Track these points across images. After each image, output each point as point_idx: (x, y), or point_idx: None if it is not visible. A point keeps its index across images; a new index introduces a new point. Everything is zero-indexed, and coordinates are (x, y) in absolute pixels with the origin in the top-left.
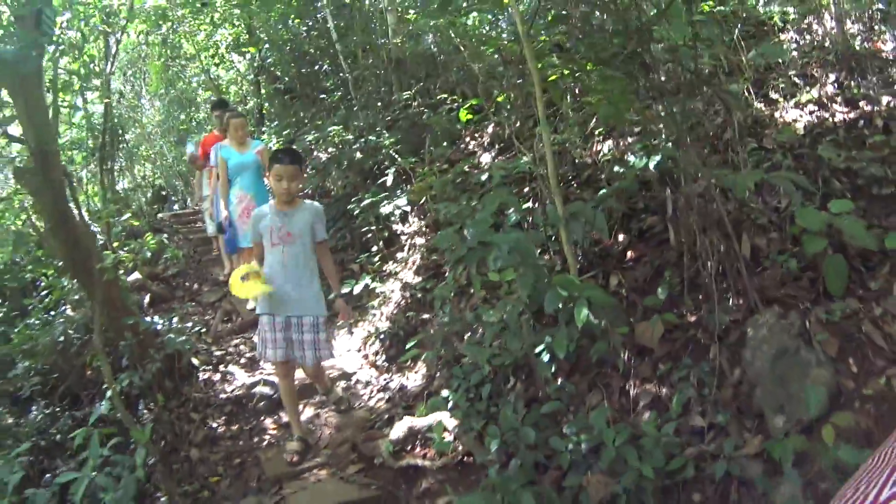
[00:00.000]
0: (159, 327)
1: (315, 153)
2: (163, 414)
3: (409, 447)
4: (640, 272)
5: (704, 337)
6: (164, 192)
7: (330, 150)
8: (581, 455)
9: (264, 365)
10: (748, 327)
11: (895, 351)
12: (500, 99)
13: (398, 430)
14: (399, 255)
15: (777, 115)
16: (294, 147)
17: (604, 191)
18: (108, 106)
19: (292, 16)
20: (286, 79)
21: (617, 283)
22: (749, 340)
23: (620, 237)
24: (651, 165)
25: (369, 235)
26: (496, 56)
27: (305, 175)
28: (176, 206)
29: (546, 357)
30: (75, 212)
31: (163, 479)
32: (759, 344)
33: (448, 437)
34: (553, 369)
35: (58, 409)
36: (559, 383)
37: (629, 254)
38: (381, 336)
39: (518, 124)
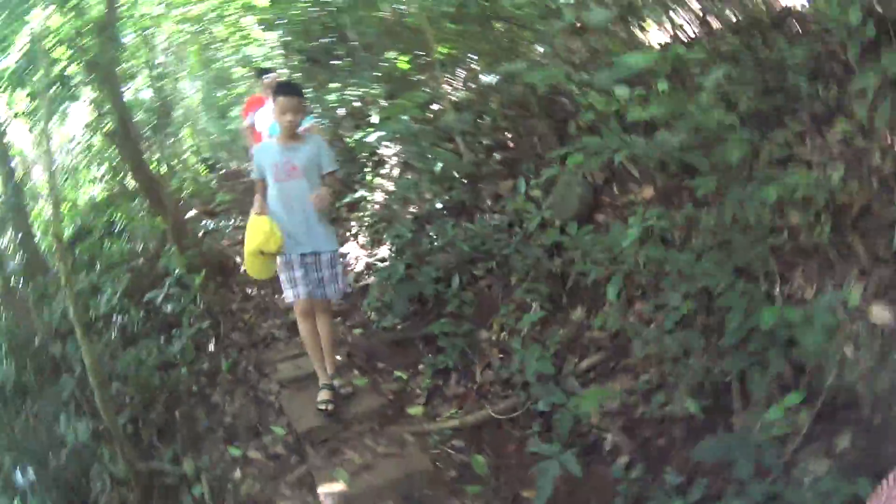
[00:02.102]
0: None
1: (335, 110)
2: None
3: None
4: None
5: None
6: (210, 161)
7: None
8: None
9: None
10: None
11: None
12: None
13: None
14: (383, 172)
15: None
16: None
17: None
18: (159, 88)
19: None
20: (304, 52)
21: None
22: None
23: None
24: None
25: (363, 160)
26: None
27: (322, 126)
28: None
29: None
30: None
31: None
32: None
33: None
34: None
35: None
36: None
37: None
38: (365, 225)
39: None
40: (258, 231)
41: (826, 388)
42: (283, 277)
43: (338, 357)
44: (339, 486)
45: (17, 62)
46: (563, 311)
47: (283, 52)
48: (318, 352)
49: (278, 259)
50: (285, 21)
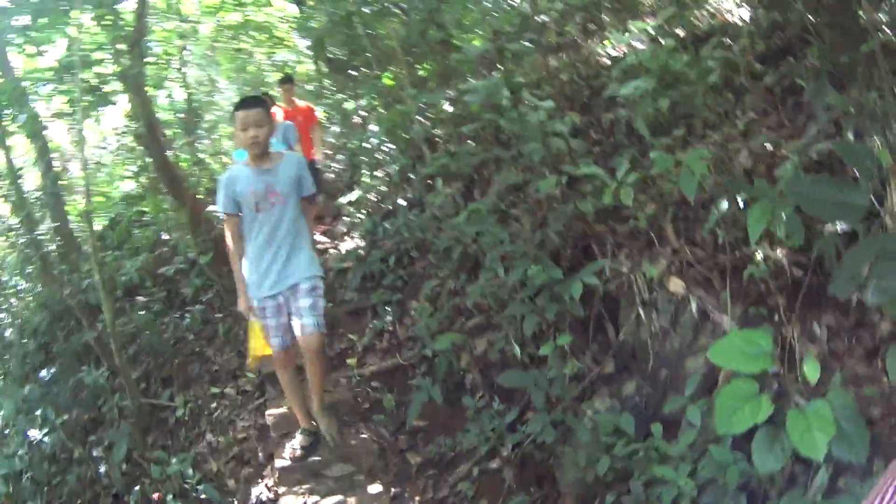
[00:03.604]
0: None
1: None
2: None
3: None
4: None
5: None
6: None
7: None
8: None
9: None
10: None
11: None
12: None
13: None
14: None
15: None
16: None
17: None
18: (189, 94)
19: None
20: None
21: None
22: None
23: None
24: None
25: (362, 163)
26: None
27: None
28: None
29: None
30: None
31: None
32: None
33: None
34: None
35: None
36: None
37: None
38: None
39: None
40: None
41: (619, 342)
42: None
43: (327, 391)
44: (280, 410)
45: (57, 62)
46: (461, 283)
47: (311, 58)
48: (299, 396)
49: (254, 306)
50: (310, 30)
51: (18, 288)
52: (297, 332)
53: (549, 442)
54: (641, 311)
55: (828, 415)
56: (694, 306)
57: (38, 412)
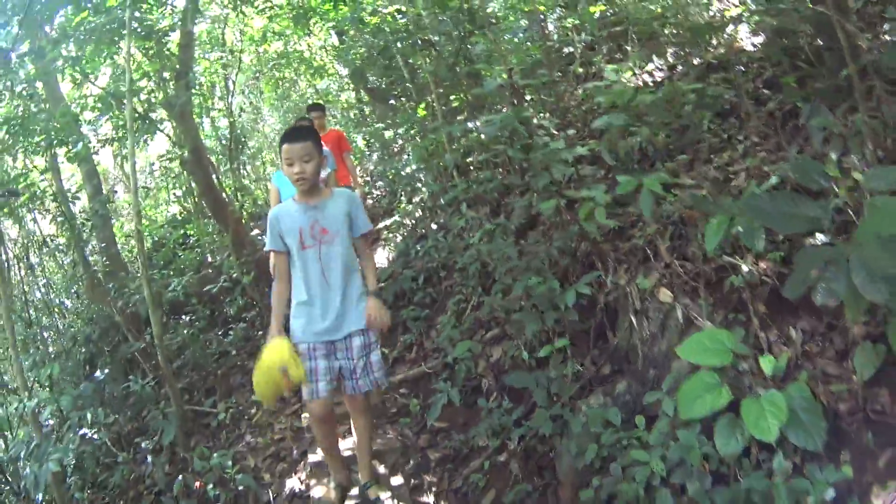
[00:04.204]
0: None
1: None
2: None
3: None
4: None
5: None
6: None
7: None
8: None
9: None
10: None
11: None
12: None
13: None
14: (415, 199)
15: None
16: (307, 124)
17: None
18: (231, 122)
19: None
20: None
21: None
22: None
23: None
24: None
25: (399, 190)
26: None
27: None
28: None
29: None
30: (216, 181)
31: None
32: None
33: None
34: None
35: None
36: None
37: None
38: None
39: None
40: (278, 352)
41: (615, 346)
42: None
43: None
44: None
45: (103, 89)
46: (479, 298)
47: (351, 85)
48: (336, 456)
49: (301, 347)
50: (351, 60)
51: (65, 306)
52: (347, 388)
53: (549, 434)
54: (634, 319)
55: (781, 403)
56: (680, 313)
57: (90, 412)
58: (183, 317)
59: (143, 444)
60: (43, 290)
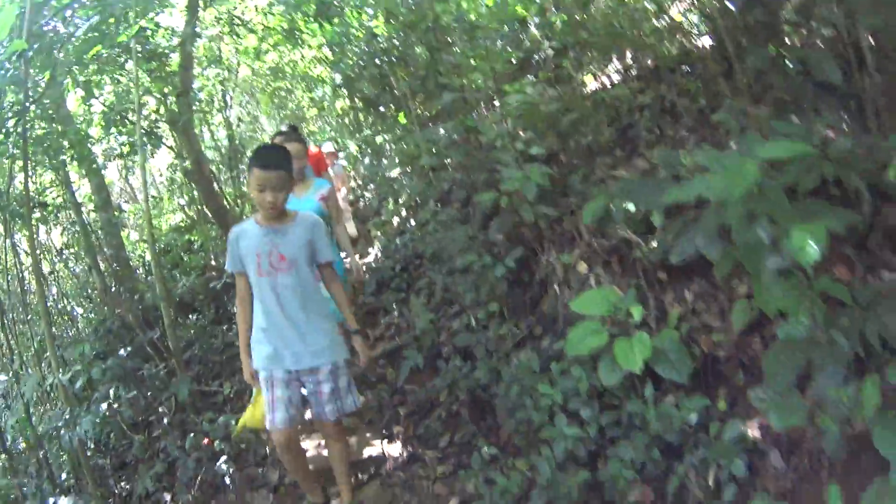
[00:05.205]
0: None
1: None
2: None
3: None
4: None
5: None
6: None
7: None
8: None
9: None
10: None
11: None
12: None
13: None
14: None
15: None
16: (279, 145)
17: None
18: (230, 134)
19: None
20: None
21: None
22: None
23: None
24: None
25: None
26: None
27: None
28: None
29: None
30: (217, 189)
31: None
32: None
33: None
34: None
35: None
36: None
37: None
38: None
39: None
40: (256, 406)
41: (544, 311)
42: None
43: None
44: None
45: (106, 107)
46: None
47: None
48: (307, 478)
49: (261, 375)
50: (342, 67)
51: (76, 313)
52: (316, 415)
53: (488, 384)
54: (558, 289)
55: (647, 343)
56: (593, 281)
57: (115, 385)
58: (190, 316)
59: (159, 409)
60: (55, 297)
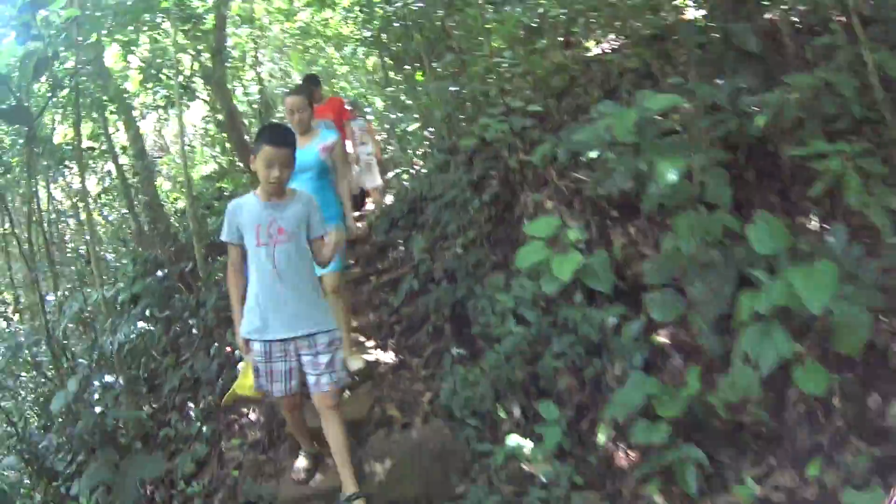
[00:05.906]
0: None
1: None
2: None
3: None
4: None
5: None
6: None
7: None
8: None
9: None
10: None
11: None
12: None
13: None
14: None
15: None
16: (286, 125)
17: None
18: (261, 89)
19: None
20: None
21: None
22: None
23: None
24: None
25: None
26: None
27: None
28: None
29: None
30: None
31: None
32: None
33: None
34: None
35: None
36: None
37: None
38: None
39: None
40: (245, 375)
41: (514, 240)
42: (255, 365)
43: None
44: None
45: (143, 63)
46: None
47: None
48: (303, 433)
49: (255, 346)
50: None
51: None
52: (312, 387)
53: (466, 298)
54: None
55: (576, 258)
56: (558, 217)
57: (150, 300)
58: (220, 257)
59: (189, 322)
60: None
